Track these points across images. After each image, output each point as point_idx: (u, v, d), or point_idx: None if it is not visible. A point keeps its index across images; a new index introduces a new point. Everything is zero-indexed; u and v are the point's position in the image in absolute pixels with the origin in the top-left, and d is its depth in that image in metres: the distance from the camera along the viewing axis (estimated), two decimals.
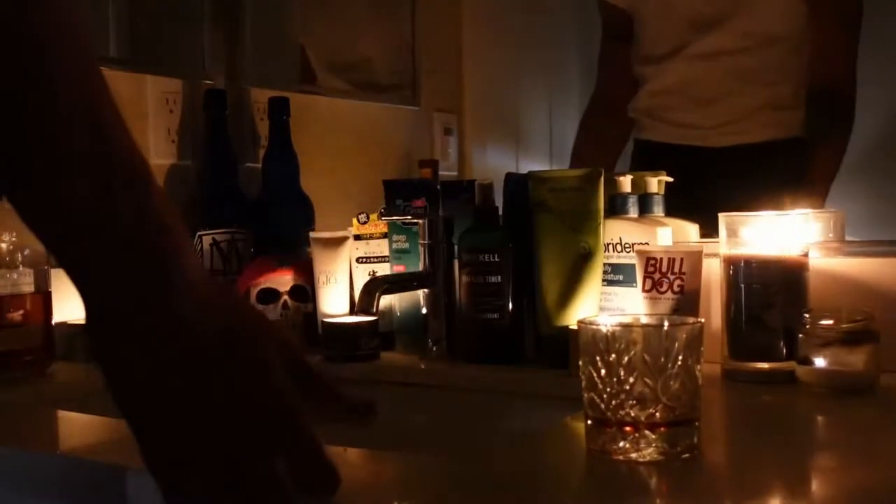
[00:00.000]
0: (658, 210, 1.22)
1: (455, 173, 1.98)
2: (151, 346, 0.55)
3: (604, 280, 1.16)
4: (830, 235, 1.19)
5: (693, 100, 1.76)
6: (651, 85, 1.81)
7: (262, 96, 1.55)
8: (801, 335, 1.00)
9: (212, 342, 0.56)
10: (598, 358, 0.74)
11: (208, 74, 1.52)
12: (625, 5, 1.84)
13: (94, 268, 0.55)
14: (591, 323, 0.76)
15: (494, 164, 2.10)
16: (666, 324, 0.77)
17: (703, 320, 0.77)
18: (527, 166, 2.17)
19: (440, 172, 1.82)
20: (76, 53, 0.55)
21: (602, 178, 1.15)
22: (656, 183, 1.24)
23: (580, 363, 0.76)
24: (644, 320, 0.82)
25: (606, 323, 0.76)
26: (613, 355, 0.73)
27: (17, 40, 0.52)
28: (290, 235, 1.46)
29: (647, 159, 1.87)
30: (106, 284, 0.55)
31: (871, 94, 2.32)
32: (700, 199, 1.73)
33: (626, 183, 1.18)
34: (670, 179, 1.26)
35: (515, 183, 1.25)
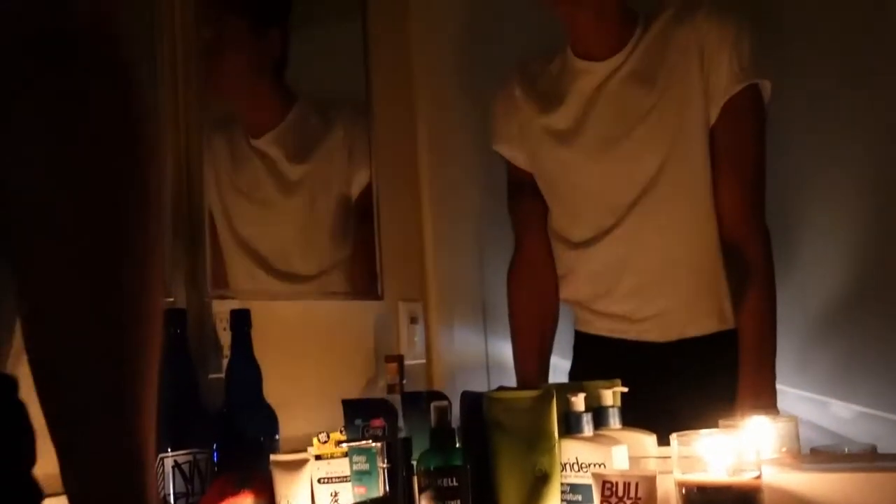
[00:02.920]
0: (614, 422, 1.23)
1: (423, 361, 1.99)
2: None
3: (563, 500, 1.16)
4: (784, 449, 1.19)
5: (619, 292, 1.76)
6: (575, 275, 1.83)
7: (224, 307, 1.57)
8: None
9: None
10: None
11: (169, 291, 1.53)
12: (530, 174, 1.87)
13: None
14: None
15: (461, 344, 2.11)
16: None
17: None
18: (495, 342, 2.18)
19: (407, 362, 1.84)
20: None
21: (554, 400, 1.16)
22: (611, 395, 1.25)
23: None
24: None
25: None
26: None
27: None
28: (253, 449, 1.46)
29: (587, 352, 1.87)
30: None
31: (825, 255, 2.38)
32: (646, 394, 1.72)
33: (579, 402, 1.19)
34: (625, 390, 1.27)
35: (471, 401, 1.26)
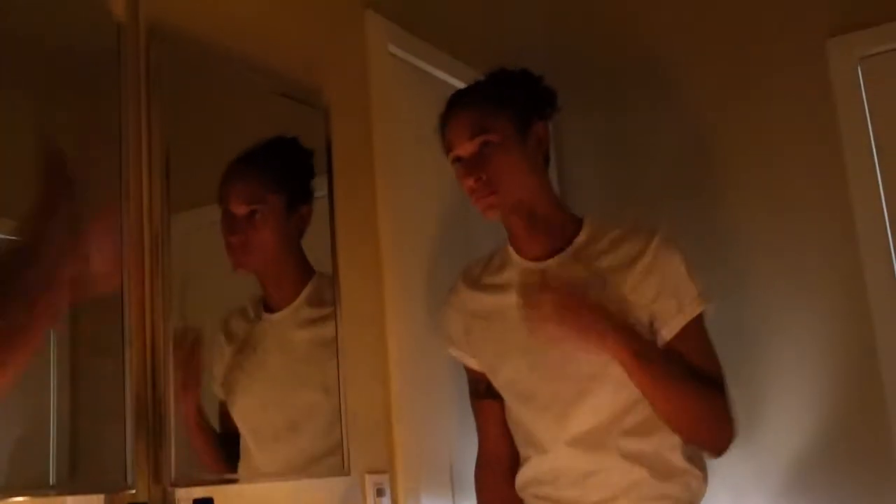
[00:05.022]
0: None
1: None
2: None
3: None
4: None
5: (571, 480, 1.79)
6: (529, 468, 1.86)
7: (187, 495, 1.59)
8: None
9: None
10: None
11: (130, 484, 1.54)
12: (484, 374, 1.94)
13: None
14: None
15: None
16: None
17: None
18: None
19: None
20: None
21: None
22: None
23: None
24: None
25: None
26: None
27: None
28: None
29: None
30: None
31: (791, 419, 2.43)
32: None
33: None
34: None
35: None
